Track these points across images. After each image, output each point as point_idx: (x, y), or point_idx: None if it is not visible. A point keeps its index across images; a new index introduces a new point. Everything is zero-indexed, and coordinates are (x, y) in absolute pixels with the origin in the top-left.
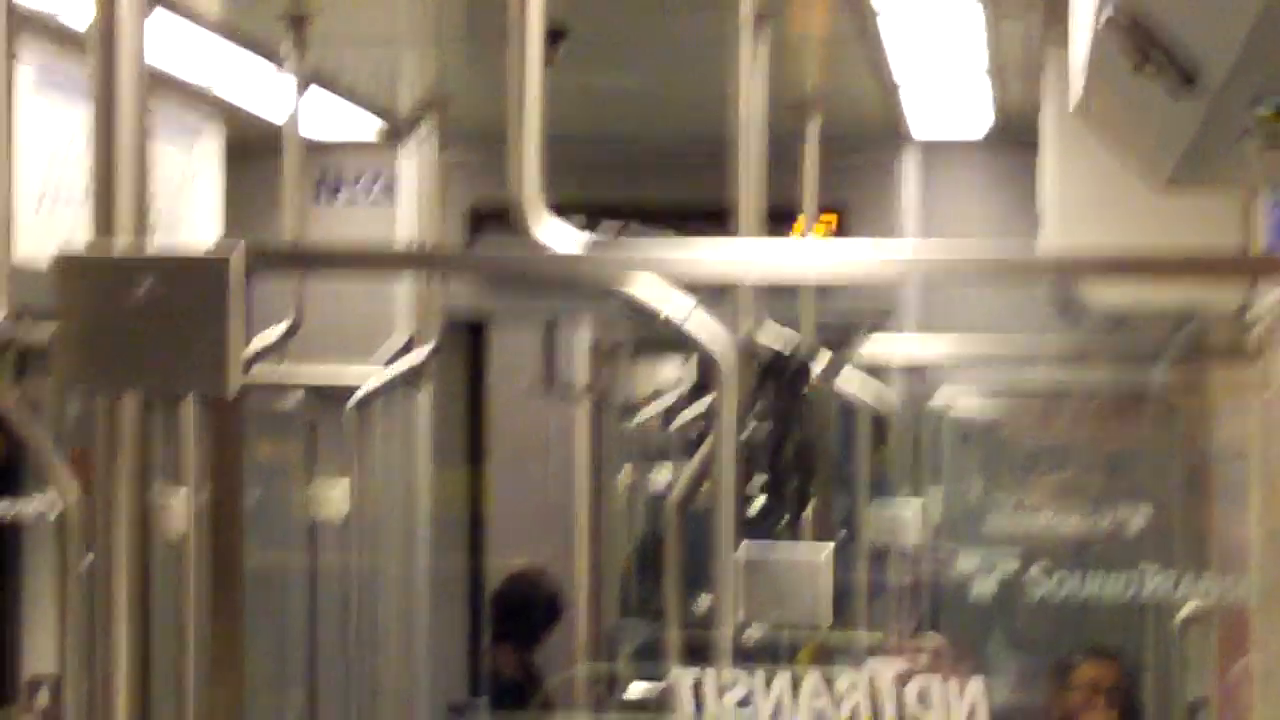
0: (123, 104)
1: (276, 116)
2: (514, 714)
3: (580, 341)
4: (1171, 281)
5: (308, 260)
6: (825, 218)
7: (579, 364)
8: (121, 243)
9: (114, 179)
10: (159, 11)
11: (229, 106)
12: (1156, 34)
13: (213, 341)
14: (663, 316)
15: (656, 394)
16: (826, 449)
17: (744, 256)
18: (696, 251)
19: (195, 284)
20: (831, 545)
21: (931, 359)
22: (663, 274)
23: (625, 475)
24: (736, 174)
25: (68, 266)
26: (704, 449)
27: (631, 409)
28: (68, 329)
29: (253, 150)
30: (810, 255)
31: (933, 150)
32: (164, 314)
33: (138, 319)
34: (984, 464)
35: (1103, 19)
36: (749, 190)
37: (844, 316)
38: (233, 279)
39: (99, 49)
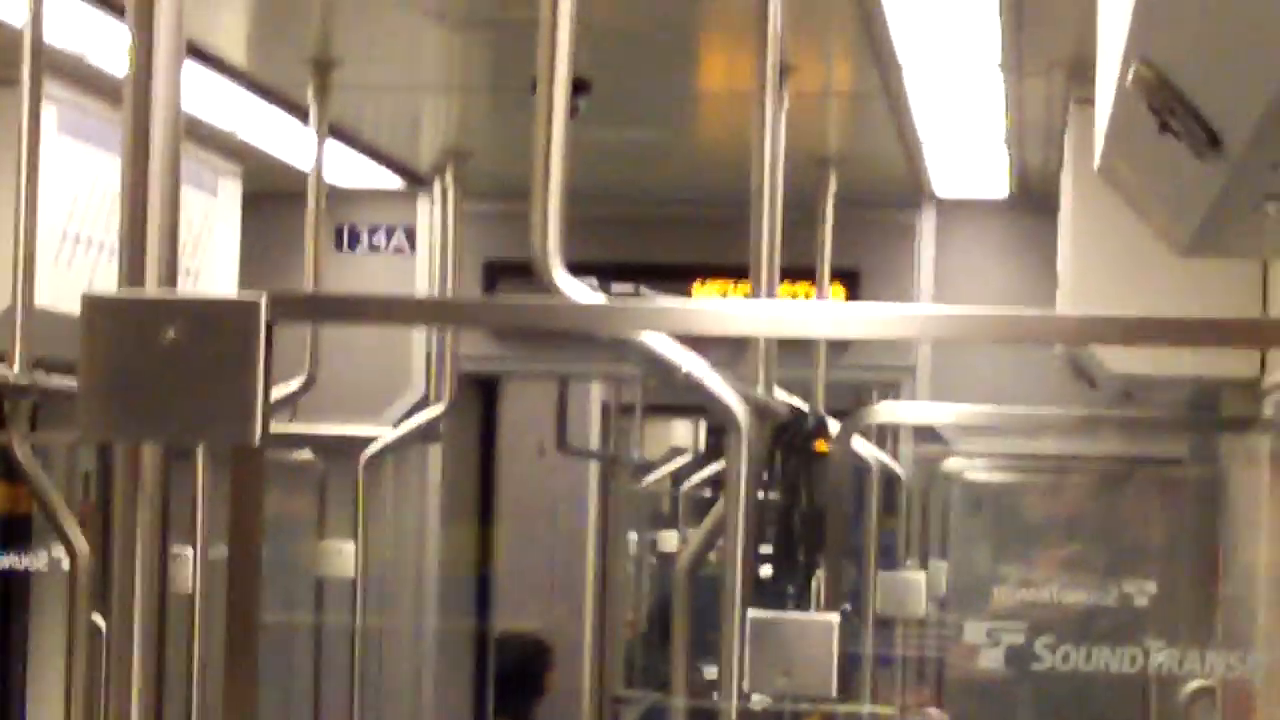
0: (155, 154)
1: (297, 163)
2: None
3: (592, 402)
4: (1187, 347)
5: (331, 308)
6: (834, 288)
7: (591, 424)
8: (150, 287)
9: (144, 228)
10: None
11: (249, 152)
12: (1182, 93)
13: (238, 388)
14: (684, 371)
15: (674, 452)
16: (840, 515)
17: (761, 314)
18: (714, 307)
19: (220, 329)
20: (838, 614)
21: (943, 427)
22: (681, 328)
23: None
24: (753, 233)
25: (95, 307)
26: (715, 511)
27: (642, 470)
28: (91, 373)
29: (270, 197)
30: (826, 315)
31: (951, 210)
32: (188, 360)
33: (162, 365)
34: (992, 534)
35: (1128, 78)
36: (766, 250)
37: (856, 383)
38: (258, 325)
39: (132, 96)
